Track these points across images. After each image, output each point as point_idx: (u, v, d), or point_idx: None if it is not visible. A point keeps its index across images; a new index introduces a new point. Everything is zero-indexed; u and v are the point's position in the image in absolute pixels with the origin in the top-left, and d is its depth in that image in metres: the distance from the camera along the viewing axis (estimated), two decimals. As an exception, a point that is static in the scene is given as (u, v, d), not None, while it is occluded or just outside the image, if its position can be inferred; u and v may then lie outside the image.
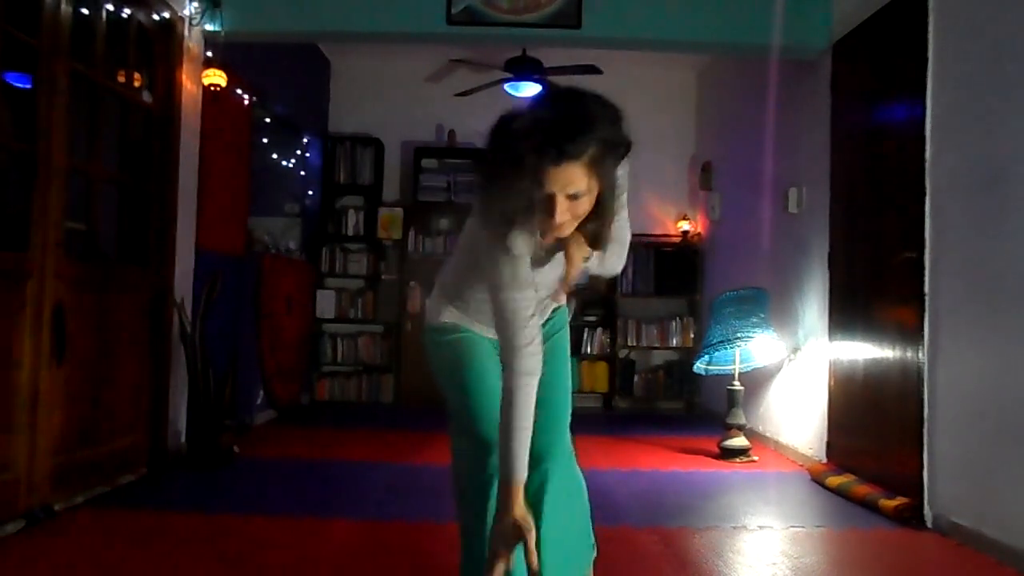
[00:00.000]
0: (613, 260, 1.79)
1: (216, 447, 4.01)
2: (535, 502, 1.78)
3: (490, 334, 1.82)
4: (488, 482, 1.73)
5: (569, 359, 1.98)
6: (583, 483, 1.94)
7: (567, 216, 1.51)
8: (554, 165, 1.45)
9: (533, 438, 1.68)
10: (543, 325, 1.83)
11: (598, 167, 1.49)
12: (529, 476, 1.69)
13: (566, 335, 2.00)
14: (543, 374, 1.67)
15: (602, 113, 1.49)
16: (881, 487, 3.49)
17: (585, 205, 1.52)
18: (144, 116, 3.92)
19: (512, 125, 1.51)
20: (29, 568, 2.54)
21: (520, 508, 1.60)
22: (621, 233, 1.75)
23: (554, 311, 1.94)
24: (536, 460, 1.74)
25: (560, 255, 1.69)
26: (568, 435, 1.90)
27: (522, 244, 1.60)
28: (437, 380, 1.92)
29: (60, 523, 2.97)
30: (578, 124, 1.45)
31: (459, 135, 6.97)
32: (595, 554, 1.98)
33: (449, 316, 1.88)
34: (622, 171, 1.63)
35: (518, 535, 1.58)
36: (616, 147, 1.51)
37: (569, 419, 1.91)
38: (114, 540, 2.85)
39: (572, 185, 1.47)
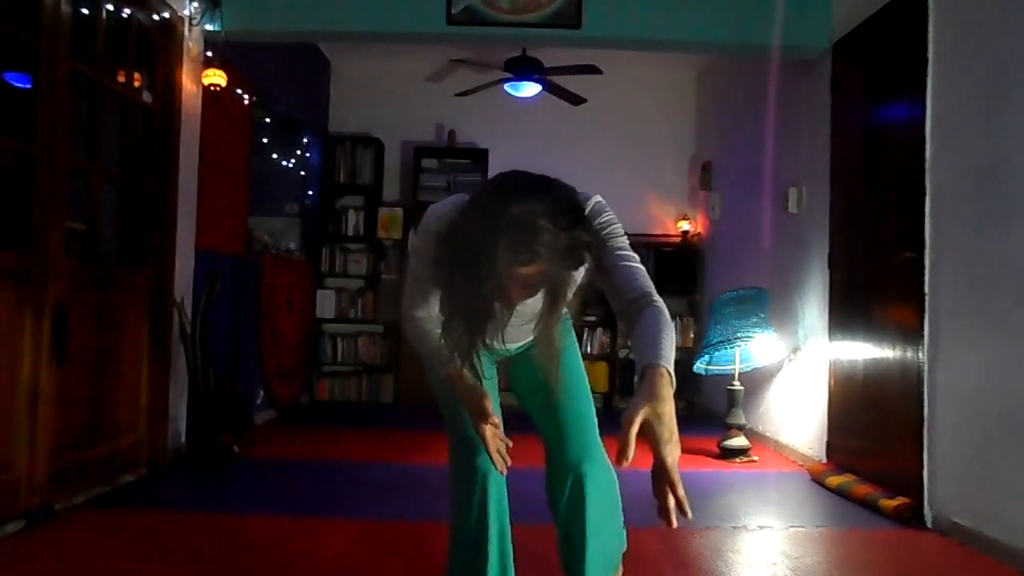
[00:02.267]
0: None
1: (216, 447, 4.01)
2: (576, 504, 1.84)
3: None
4: (474, 478, 1.80)
5: (581, 366, 1.96)
6: (616, 481, 1.96)
7: (521, 294, 1.46)
8: (523, 264, 1.36)
9: (566, 449, 1.82)
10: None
11: (551, 264, 1.38)
12: (566, 482, 1.83)
13: (573, 345, 1.99)
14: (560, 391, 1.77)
15: (552, 225, 1.34)
16: (881, 487, 3.49)
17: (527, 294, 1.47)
18: (144, 116, 3.92)
19: (473, 231, 1.38)
20: (29, 568, 2.54)
21: (467, 381, 1.71)
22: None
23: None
24: (571, 467, 1.84)
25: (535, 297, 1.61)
26: (597, 439, 1.90)
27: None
28: (428, 381, 1.95)
29: (60, 523, 2.97)
30: (527, 249, 1.33)
31: (459, 135, 6.98)
32: (625, 547, 2.03)
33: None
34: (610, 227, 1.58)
35: (479, 396, 1.70)
36: (568, 254, 1.38)
37: (595, 423, 1.91)
38: (114, 540, 2.84)
39: (527, 273, 1.39)
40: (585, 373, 1.97)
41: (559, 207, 1.36)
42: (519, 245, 1.32)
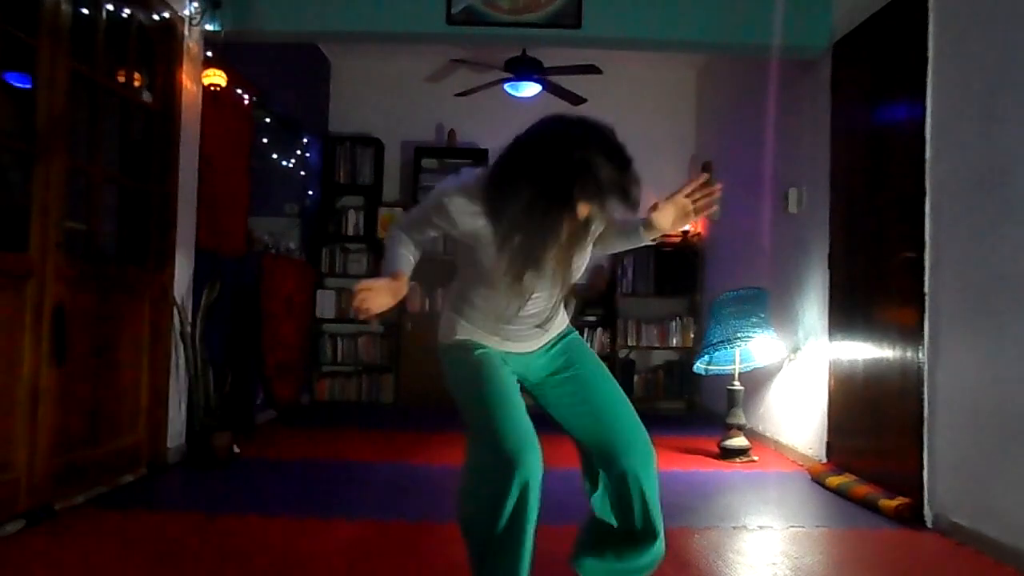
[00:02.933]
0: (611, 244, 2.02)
1: (215, 447, 4.00)
2: (635, 488, 1.89)
3: (500, 346, 1.97)
4: (512, 487, 1.76)
5: (607, 370, 2.07)
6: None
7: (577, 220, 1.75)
8: (585, 199, 1.69)
9: (622, 446, 1.89)
10: (556, 344, 2.04)
11: (604, 203, 1.73)
12: (624, 485, 1.89)
13: (592, 358, 2.08)
14: (597, 383, 1.97)
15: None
16: (881, 487, 3.49)
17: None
18: (144, 116, 3.92)
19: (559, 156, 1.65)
20: (29, 568, 2.54)
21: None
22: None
23: (566, 335, 2.07)
24: (628, 469, 1.88)
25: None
26: (645, 434, 1.96)
27: (460, 203, 1.80)
28: (455, 396, 1.95)
29: (60, 523, 2.97)
30: (595, 187, 1.67)
31: (459, 135, 6.98)
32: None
33: (462, 332, 1.98)
34: None
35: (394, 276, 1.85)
36: (620, 189, 1.72)
37: (638, 419, 1.98)
38: (114, 540, 2.84)
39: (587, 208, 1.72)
40: (613, 380, 2.05)
41: (611, 148, 1.66)
42: (587, 183, 1.63)
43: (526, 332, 1.98)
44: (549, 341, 2.05)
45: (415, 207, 1.98)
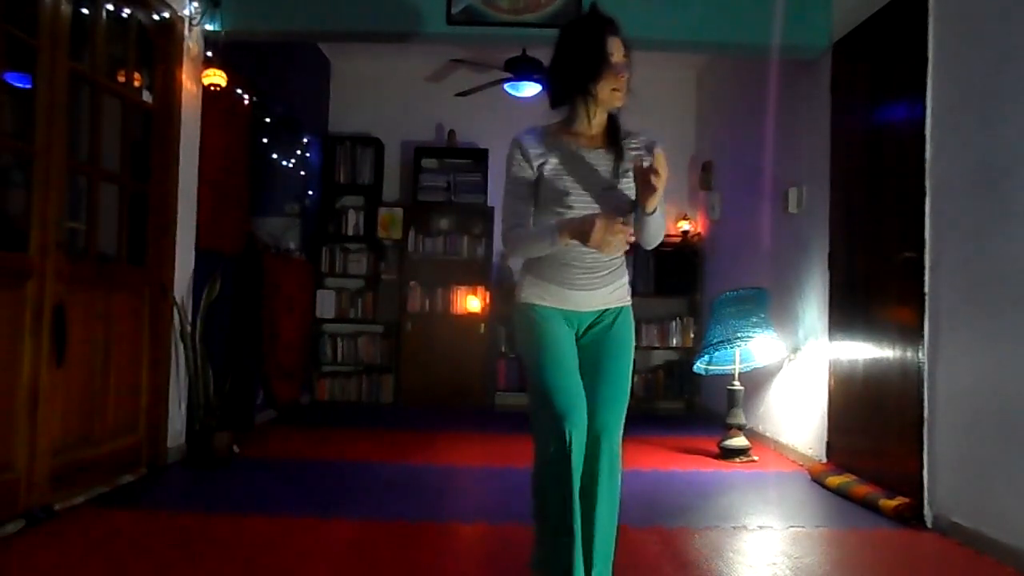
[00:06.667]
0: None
1: (215, 447, 4.01)
2: (592, 465, 2.08)
3: (564, 303, 2.19)
4: (561, 445, 2.02)
5: (630, 369, 2.23)
6: (620, 470, 2.17)
7: (623, 75, 2.24)
8: (611, 34, 2.19)
9: (594, 412, 2.09)
10: (617, 316, 2.23)
11: (625, 46, 2.25)
12: (587, 443, 2.07)
13: (631, 348, 2.25)
14: (610, 361, 2.16)
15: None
16: (881, 487, 3.49)
17: (624, 79, 2.25)
18: (144, 116, 3.92)
19: (581, 20, 2.27)
20: (29, 568, 2.54)
21: (572, 220, 2.09)
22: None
23: (619, 312, 2.24)
24: (594, 432, 2.09)
25: (603, 154, 2.30)
26: (620, 422, 2.15)
27: (530, 142, 2.26)
28: (520, 351, 2.29)
29: (60, 523, 2.97)
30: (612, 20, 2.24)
31: (459, 135, 6.98)
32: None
33: (532, 290, 2.21)
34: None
35: (588, 218, 2.03)
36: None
37: (623, 411, 2.17)
38: (114, 540, 2.85)
39: (619, 51, 2.22)
40: (630, 377, 2.24)
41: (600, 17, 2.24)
42: (609, 19, 2.22)
43: (589, 280, 2.17)
44: (611, 309, 2.22)
45: (505, 200, 2.21)
